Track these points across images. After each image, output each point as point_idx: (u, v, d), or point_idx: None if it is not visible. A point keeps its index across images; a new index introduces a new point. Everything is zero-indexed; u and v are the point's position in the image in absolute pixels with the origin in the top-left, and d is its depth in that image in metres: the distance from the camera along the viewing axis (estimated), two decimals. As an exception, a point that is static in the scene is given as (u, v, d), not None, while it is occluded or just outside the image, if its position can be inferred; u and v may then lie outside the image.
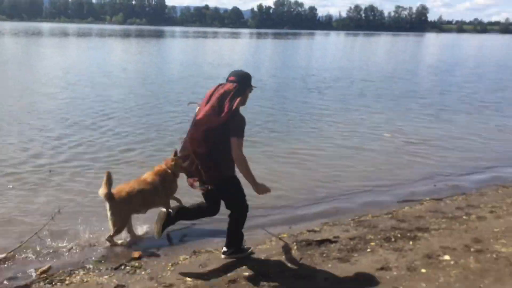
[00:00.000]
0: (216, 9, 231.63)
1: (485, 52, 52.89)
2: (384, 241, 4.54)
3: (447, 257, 4.07)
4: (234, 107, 3.62)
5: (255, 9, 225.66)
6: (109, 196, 4.37)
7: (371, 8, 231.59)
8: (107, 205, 4.43)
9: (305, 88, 17.20)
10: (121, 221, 4.52)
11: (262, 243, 4.59)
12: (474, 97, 15.95)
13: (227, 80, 3.85)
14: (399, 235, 4.67)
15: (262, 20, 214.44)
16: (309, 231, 4.92)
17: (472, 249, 4.23)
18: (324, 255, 4.22)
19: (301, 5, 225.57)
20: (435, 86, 19.03)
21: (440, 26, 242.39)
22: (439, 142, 9.56)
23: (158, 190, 4.64)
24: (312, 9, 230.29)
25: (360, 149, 8.82)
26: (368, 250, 4.32)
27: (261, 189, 3.87)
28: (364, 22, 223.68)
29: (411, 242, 4.48)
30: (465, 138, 10.00)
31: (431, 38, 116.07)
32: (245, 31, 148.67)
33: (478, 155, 8.71)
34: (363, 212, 5.60)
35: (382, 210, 5.73)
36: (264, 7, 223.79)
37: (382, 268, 3.88)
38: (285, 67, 26.44)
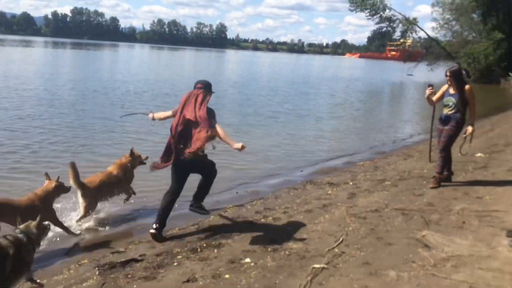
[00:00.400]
0: (2, 14, 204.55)
1: (277, 68, 59.36)
2: (190, 252, 4.58)
3: (248, 259, 4.32)
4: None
5: (49, 16, 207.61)
6: (81, 185, 5.34)
7: (174, 23, 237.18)
8: (79, 192, 5.34)
9: (107, 102, 16.47)
10: (92, 206, 5.47)
11: (59, 273, 4.15)
12: (267, 109, 17.66)
13: (195, 87, 5.01)
14: (204, 245, 4.78)
15: (58, 29, 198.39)
16: (113, 253, 4.66)
17: (269, 249, 4.59)
18: (129, 276, 4.03)
19: (102, 15, 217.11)
20: (239, 99, 20.40)
21: (238, 44, 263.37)
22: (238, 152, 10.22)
23: (121, 180, 5.88)
24: (114, 20, 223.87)
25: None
26: (175, 263, 4.30)
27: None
28: (168, 36, 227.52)
29: (216, 250, 4.62)
30: (262, 146, 10.94)
31: (231, 54, 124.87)
32: (39, 39, 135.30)
33: (273, 161, 9.63)
34: (170, 226, 5.57)
35: (188, 222, 5.80)
36: (60, 15, 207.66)
37: (188, 280, 3.90)
38: (86, 79, 24.83)
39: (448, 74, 6.56)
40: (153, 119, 5.52)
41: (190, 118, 4.78)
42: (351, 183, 7.51)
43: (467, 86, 6.45)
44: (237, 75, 38.75)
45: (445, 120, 6.63)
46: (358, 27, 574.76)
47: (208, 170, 5.28)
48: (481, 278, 3.65)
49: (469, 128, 6.43)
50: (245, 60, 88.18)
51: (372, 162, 9.48)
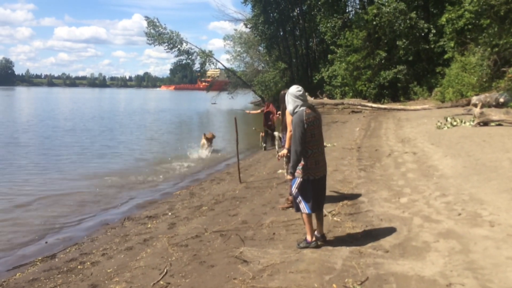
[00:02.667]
0: None
1: (79, 103, 55.94)
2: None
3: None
4: None
5: None
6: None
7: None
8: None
9: None
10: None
11: None
12: (68, 149, 16.54)
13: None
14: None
15: None
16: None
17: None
18: None
19: None
20: (36, 142, 18.51)
21: (30, 80, 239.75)
22: (42, 198, 9.33)
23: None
24: None
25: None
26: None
27: None
28: None
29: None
30: (70, 188, 10.17)
31: (23, 92, 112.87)
32: None
33: (84, 203, 9.04)
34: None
35: (-12, 285, 5.03)
36: None
37: None
38: None
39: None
40: None
41: None
42: (170, 214, 7.57)
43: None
44: (33, 115, 35.22)
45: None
46: (160, 60, 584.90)
47: None
48: (293, 281, 4.10)
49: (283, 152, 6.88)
50: (41, 97, 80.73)
51: (188, 190, 9.74)
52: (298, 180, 4.81)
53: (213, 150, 16.05)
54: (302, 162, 4.73)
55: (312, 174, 4.77)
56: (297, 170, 4.77)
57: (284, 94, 6.70)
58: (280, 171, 10.07)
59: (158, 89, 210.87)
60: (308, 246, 4.90)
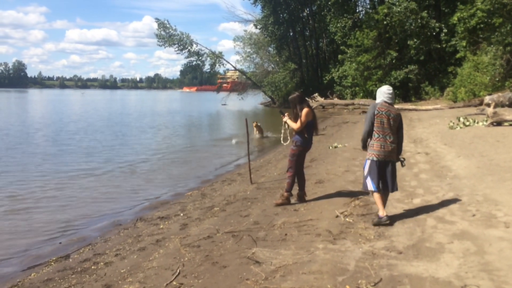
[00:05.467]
0: None
1: (93, 105, 56.47)
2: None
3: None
4: None
5: None
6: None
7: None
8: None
9: None
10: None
11: None
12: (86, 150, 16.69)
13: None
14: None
15: None
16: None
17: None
18: None
19: None
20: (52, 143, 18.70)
21: (42, 82, 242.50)
22: (56, 199, 9.44)
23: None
24: None
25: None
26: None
27: None
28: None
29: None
30: (83, 189, 10.26)
31: (35, 94, 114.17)
32: None
33: (97, 203, 9.12)
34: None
35: (5, 284, 5.10)
36: None
37: None
38: None
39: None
40: None
41: None
42: (181, 214, 7.60)
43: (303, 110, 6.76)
44: (45, 117, 35.62)
45: None
46: (170, 61, 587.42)
47: None
48: (305, 282, 4.09)
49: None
50: (52, 98, 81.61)
51: (200, 191, 9.76)
52: (368, 161, 5.68)
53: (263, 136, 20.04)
54: (368, 143, 5.72)
55: (376, 156, 5.59)
56: (368, 152, 5.69)
57: (295, 97, 6.78)
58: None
59: (180, 90, 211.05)
60: (380, 221, 5.45)
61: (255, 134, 19.93)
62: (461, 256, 4.36)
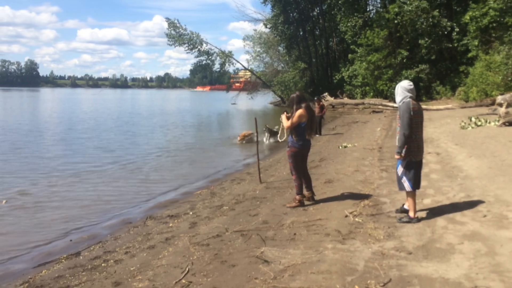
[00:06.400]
0: None
1: (105, 104, 56.90)
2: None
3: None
4: None
5: None
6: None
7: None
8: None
9: None
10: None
11: None
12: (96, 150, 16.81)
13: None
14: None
15: None
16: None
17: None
18: None
19: None
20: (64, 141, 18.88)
21: (54, 81, 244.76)
22: (67, 197, 9.53)
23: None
24: None
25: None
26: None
27: None
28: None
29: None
30: (93, 188, 10.35)
31: (47, 93, 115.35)
32: None
33: (107, 202, 9.19)
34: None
35: (16, 281, 5.16)
36: None
37: None
38: None
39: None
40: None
41: None
42: (191, 213, 7.63)
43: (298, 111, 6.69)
44: (57, 116, 35.97)
45: None
46: (180, 60, 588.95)
47: None
48: (314, 281, 4.08)
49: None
50: (66, 98, 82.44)
51: (209, 190, 9.79)
52: (404, 162, 5.55)
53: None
54: (406, 146, 5.45)
55: (414, 157, 5.52)
56: (403, 153, 5.49)
57: (293, 97, 6.72)
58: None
59: (194, 90, 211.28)
60: (410, 222, 5.49)
61: (266, 138, 18.66)
62: (472, 257, 4.32)
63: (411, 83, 5.67)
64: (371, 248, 4.76)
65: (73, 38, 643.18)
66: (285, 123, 6.78)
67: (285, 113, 6.97)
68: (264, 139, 18.61)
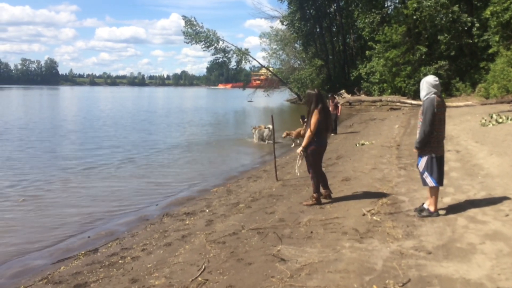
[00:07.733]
0: None
1: (123, 102, 57.49)
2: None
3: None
4: None
5: None
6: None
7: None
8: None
9: None
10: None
11: None
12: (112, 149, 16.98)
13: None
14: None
15: None
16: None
17: (131, 291, 4.39)
18: None
19: None
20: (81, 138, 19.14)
21: (73, 79, 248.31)
22: (84, 194, 9.64)
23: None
24: None
25: None
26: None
27: None
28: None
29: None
30: (110, 184, 10.45)
31: (67, 91, 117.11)
32: None
33: (124, 199, 9.27)
34: (13, 286, 4.94)
35: (36, 277, 5.23)
36: None
37: None
38: None
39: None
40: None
41: None
42: (207, 210, 7.63)
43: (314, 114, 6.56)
44: (78, 113, 36.47)
45: None
46: (197, 58, 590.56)
47: None
48: (331, 280, 4.03)
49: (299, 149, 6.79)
50: (85, 96, 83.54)
51: (225, 187, 9.79)
52: (424, 158, 5.53)
53: None
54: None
55: (434, 152, 5.48)
56: (425, 149, 5.48)
57: (314, 94, 6.58)
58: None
59: (215, 87, 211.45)
60: (430, 216, 5.55)
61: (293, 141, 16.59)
62: (494, 257, 4.21)
63: (437, 78, 5.56)
64: (390, 247, 4.69)
65: (91, 37, 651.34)
66: (306, 136, 6.59)
67: (300, 120, 6.87)
68: (255, 139, 18.18)
